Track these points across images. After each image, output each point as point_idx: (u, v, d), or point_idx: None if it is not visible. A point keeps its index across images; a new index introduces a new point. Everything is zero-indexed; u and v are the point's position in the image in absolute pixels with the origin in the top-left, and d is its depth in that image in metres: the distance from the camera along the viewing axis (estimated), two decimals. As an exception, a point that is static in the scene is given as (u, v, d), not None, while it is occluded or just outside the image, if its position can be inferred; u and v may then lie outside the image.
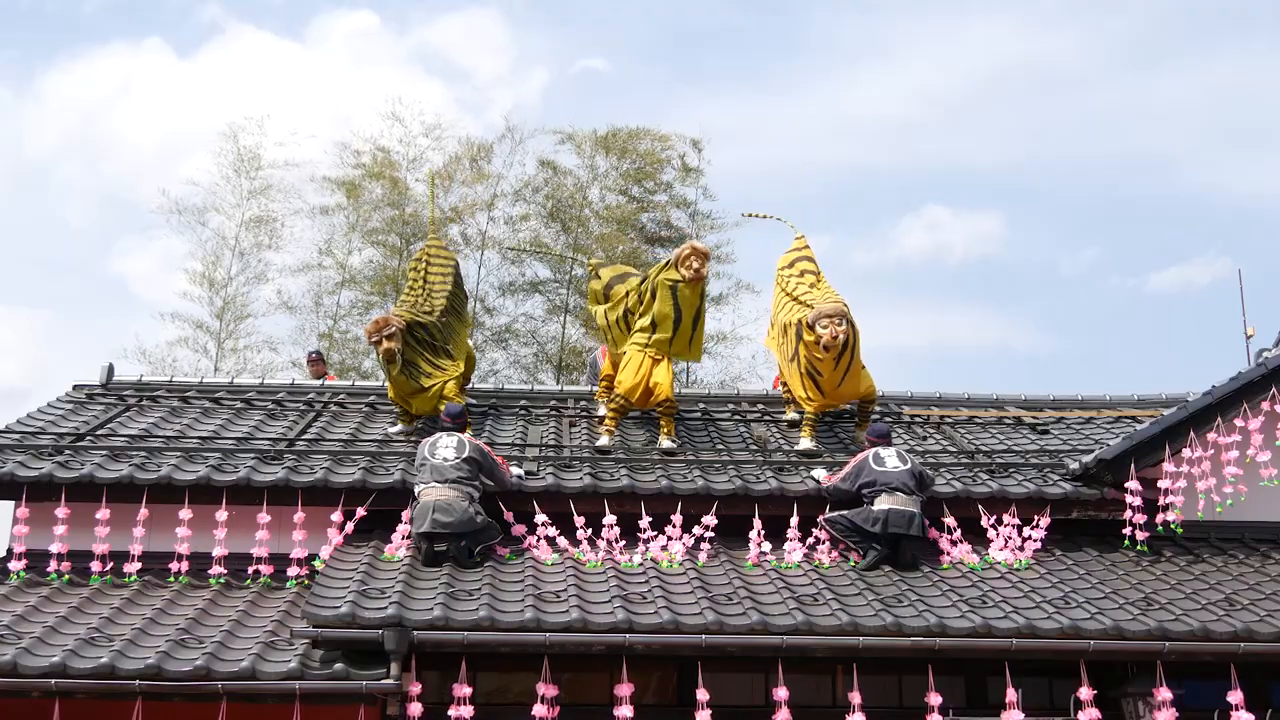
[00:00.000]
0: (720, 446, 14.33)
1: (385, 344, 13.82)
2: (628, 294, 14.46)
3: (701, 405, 16.65)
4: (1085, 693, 10.65)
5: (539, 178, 34.11)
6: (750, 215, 16.27)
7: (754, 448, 14.11)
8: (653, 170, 34.52)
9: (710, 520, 12.57)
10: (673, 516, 12.51)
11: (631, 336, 14.07)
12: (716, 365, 33.94)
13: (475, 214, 33.07)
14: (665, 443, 13.99)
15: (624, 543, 12.40)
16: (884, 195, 51.86)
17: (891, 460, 12.58)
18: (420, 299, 14.75)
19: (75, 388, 16.49)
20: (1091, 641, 10.91)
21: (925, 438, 15.45)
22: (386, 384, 14.48)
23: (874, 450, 12.71)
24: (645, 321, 13.88)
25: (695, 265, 13.47)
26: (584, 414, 15.94)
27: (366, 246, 32.93)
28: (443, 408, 13.35)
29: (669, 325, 13.75)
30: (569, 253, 31.06)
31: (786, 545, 12.53)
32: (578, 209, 33.83)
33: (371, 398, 16.65)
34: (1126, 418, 16.26)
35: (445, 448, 12.34)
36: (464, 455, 12.17)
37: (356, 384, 17.59)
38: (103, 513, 12.67)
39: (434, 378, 14.19)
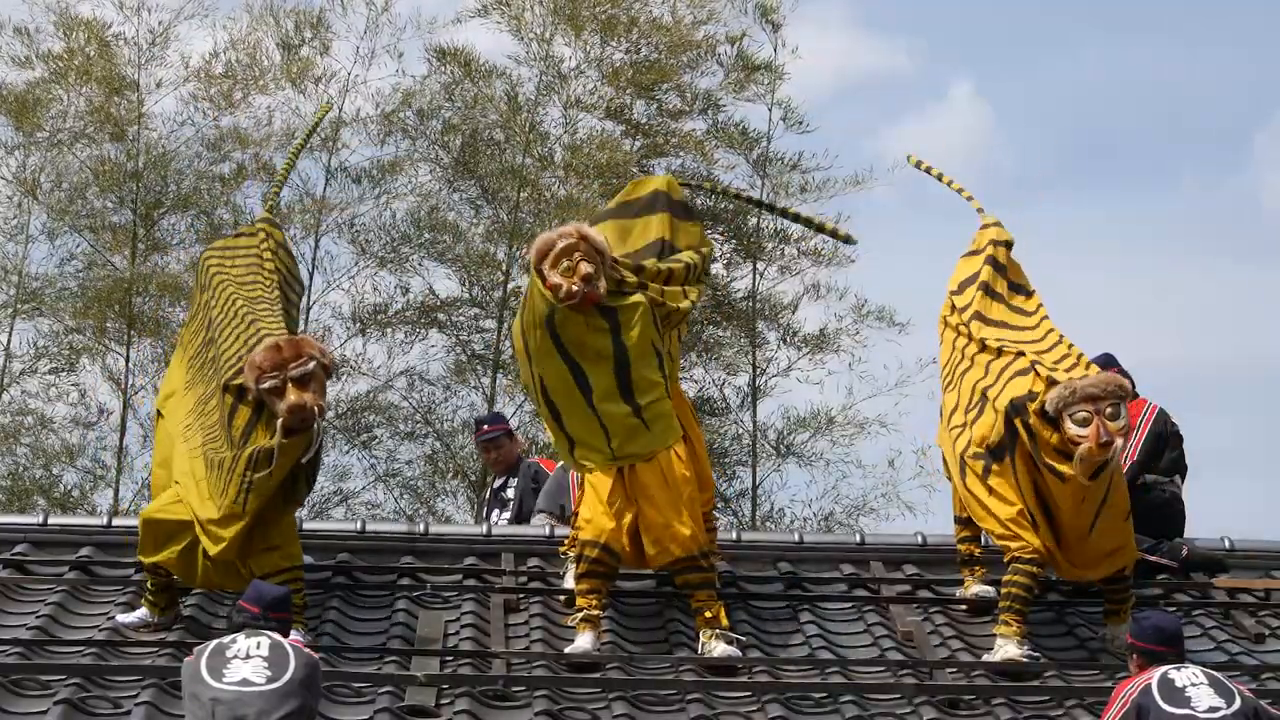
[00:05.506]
0: (828, 654, 9.74)
1: (310, 396, 8.51)
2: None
3: (783, 565, 11.01)
4: None
5: (430, 85, 20.87)
6: (922, 167, 10.87)
7: (902, 653, 9.92)
8: (672, 67, 20.42)
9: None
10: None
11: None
12: (811, 480, 21.31)
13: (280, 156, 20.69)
14: (715, 645, 9.48)
15: None
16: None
17: (1200, 694, 8.42)
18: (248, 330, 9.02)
19: None
20: None
21: (1265, 636, 10.42)
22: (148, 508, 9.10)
23: (1159, 674, 8.69)
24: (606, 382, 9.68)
25: (571, 268, 8.90)
26: (536, 586, 10.38)
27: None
28: (244, 573, 8.62)
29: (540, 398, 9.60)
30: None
31: None
32: (514, 148, 20.48)
33: (80, 553, 10.13)
34: None
35: (248, 662, 7.75)
36: (287, 677, 7.70)
37: (50, 522, 10.81)
38: None
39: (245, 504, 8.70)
